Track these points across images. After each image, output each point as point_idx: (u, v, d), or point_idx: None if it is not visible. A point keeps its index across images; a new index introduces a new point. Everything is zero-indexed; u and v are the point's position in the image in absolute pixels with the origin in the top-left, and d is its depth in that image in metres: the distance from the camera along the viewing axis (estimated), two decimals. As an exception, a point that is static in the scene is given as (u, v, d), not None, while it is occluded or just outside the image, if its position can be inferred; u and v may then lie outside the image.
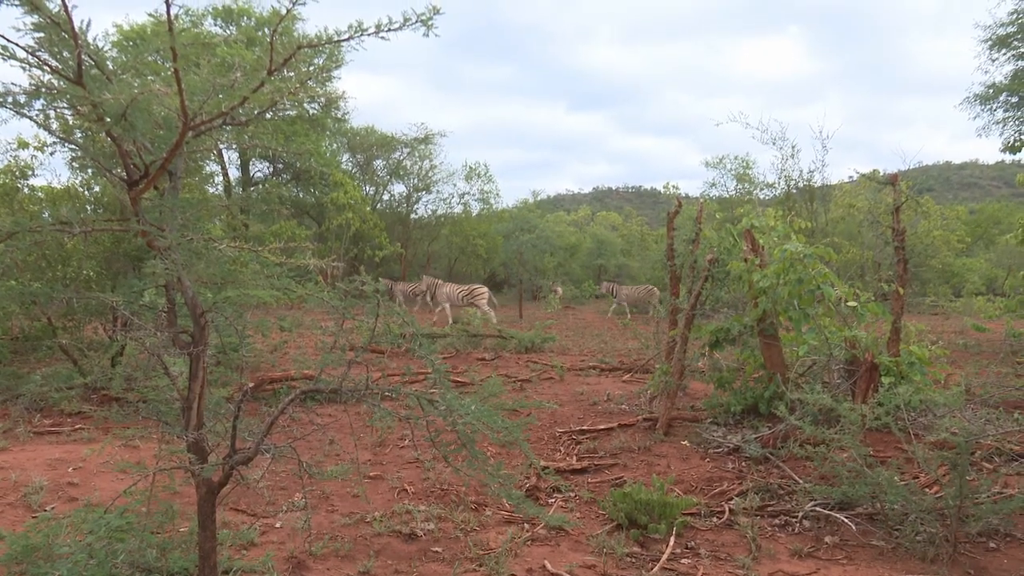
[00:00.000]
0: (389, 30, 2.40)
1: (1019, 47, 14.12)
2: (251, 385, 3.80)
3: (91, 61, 2.37)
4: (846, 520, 4.40)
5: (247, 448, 2.94)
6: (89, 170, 8.82)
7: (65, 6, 2.24)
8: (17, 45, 2.30)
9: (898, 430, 4.51)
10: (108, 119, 2.32)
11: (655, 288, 20.96)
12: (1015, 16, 13.80)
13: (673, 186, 32.08)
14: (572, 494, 5.03)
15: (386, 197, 28.09)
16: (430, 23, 2.38)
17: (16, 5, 2.21)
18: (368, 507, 4.64)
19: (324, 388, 2.93)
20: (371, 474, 5.42)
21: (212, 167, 20.98)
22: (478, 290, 17.39)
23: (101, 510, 3.05)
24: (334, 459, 5.72)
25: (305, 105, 20.82)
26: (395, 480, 5.25)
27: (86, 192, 8.94)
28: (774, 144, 20.43)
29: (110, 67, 2.53)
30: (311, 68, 2.99)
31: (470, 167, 27.78)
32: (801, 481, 4.98)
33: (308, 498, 4.74)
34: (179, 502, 4.06)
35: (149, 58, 2.79)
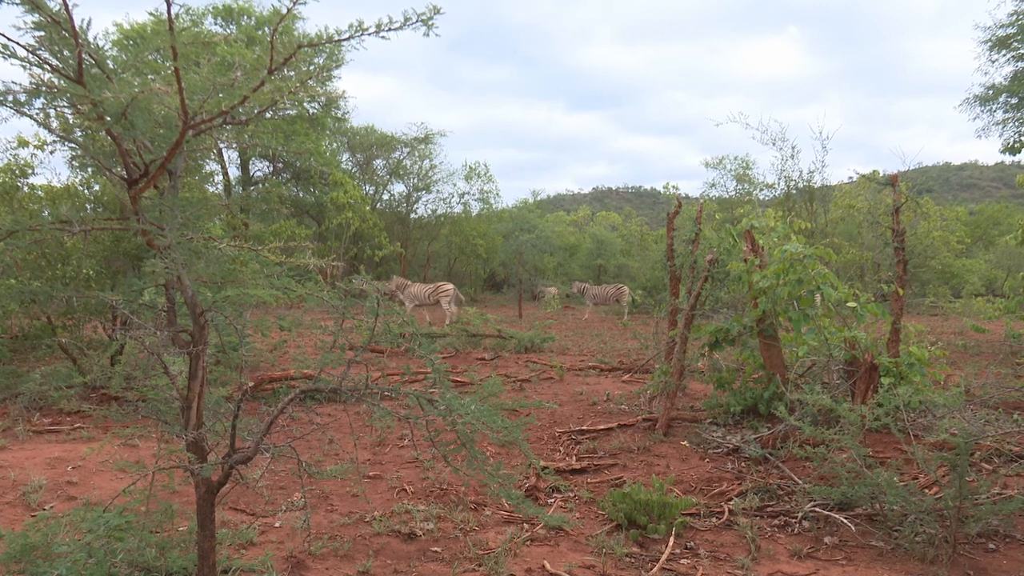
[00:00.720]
0: (389, 30, 2.40)
1: (1019, 48, 14.13)
2: (251, 384, 3.79)
3: (91, 60, 2.37)
4: (845, 521, 4.40)
5: (246, 447, 2.94)
6: (89, 169, 8.83)
7: (66, 5, 2.24)
8: (18, 44, 2.30)
9: (897, 431, 4.51)
10: (108, 118, 2.32)
11: (625, 287, 21.57)
12: (1015, 17, 13.82)
13: (673, 186, 32.06)
14: (571, 494, 5.03)
15: (386, 197, 28.12)
16: (430, 23, 2.38)
17: (17, 4, 2.21)
18: (367, 507, 4.64)
19: (324, 388, 2.93)
20: (370, 474, 5.42)
21: (212, 166, 21.02)
22: (443, 287, 17.56)
23: (100, 509, 3.05)
24: (333, 459, 5.72)
25: (305, 104, 20.84)
26: (394, 480, 5.25)
27: (86, 191, 8.95)
28: (774, 144, 20.49)
29: (110, 66, 2.53)
30: (311, 67, 2.99)
31: (470, 167, 27.81)
32: (800, 482, 4.98)
33: (307, 497, 4.74)
34: (178, 501, 4.06)
35: (149, 57, 2.78)
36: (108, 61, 2.53)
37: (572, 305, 25.11)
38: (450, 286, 17.66)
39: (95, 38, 2.39)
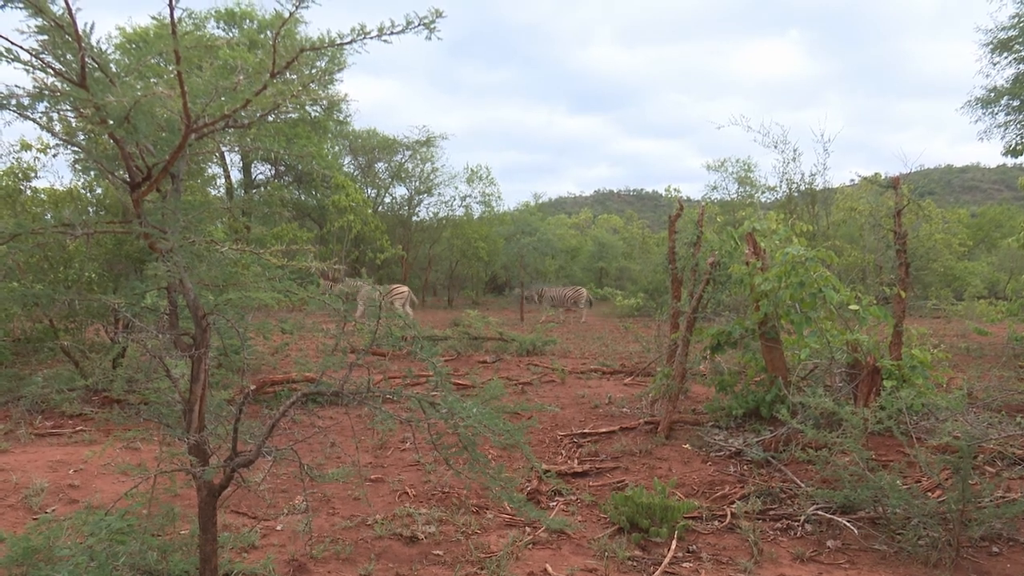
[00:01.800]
0: (391, 33, 2.41)
1: (1020, 51, 14.12)
2: (252, 387, 3.79)
3: (94, 64, 2.38)
4: (848, 524, 4.38)
5: (248, 450, 2.94)
6: (92, 172, 8.84)
7: (69, 9, 2.25)
8: (21, 48, 2.30)
9: (900, 434, 4.50)
10: (111, 121, 2.33)
11: (583, 289, 21.81)
12: (1016, 20, 13.81)
13: (675, 189, 32.00)
14: (573, 497, 5.02)
15: (388, 200, 28.16)
16: (432, 26, 2.38)
17: (20, 8, 2.22)
18: (369, 510, 4.63)
19: (325, 391, 2.93)
20: (372, 477, 5.42)
21: (214, 169, 21.02)
22: (397, 289, 17.47)
23: (102, 512, 3.05)
24: (335, 462, 5.71)
25: (307, 108, 20.87)
26: (396, 483, 5.24)
27: (88, 194, 8.97)
28: (775, 147, 20.40)
29: (113, 70, 2.54)
30: (313, 71, 2.99)
31: (472, 170, 27.84)
32: (803, 485, 4.97)
33: (309, 501, 4.74)
34: (180, 504, 4.06)
35: (152, 61, 2.79)
36: (111, 65, 2.54)
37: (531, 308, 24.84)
38: (405, 288, 17.59)
39: (98, 42, 2.40)
